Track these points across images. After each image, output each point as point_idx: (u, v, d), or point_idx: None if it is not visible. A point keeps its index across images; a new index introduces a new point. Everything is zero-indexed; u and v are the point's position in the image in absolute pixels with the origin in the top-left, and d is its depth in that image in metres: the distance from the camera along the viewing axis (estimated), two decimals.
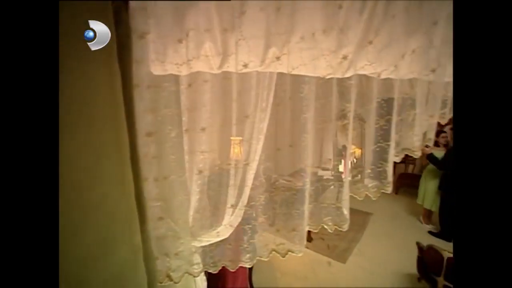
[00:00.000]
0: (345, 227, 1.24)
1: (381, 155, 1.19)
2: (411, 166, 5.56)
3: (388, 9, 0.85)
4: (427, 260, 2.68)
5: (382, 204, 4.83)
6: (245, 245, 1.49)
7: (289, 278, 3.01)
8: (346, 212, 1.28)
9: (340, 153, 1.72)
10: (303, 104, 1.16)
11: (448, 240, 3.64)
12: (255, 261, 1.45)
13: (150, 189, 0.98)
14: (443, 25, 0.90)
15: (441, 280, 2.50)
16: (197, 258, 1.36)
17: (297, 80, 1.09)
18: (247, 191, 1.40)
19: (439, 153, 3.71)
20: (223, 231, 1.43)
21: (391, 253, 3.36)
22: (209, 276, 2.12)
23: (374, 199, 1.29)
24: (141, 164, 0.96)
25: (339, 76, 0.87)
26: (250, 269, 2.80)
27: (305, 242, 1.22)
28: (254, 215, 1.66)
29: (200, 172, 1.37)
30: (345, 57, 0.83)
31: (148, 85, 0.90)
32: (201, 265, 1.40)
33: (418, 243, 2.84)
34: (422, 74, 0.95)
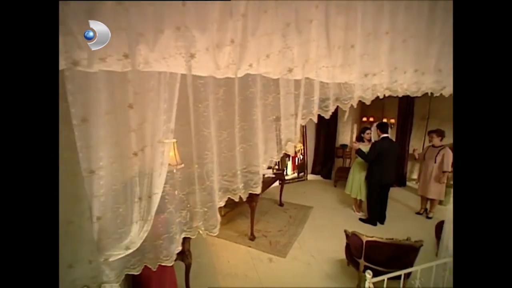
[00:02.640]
0: (215, 231, 1.20)
1: (247, 156, 1.17)
2: (348, 161, 6.03)
3: (247, 10, 0.84)
4: (351, 245, 2.88)
5: (322, 197, 5.13)
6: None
7: (231, 279, 2.94)
8: (217, 215, 1.21)
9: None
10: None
11: (374, 224, 4.01)
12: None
13: None
14: (296, 27, 0.92)
15: (362, 262, 2.70)
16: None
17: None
18: (156, 199, 1.28)
19: (367, 147, 4.07)
20: (133, 243, 1.30)
21: (327, 242, 3.55)
22: (133, 281, 1.93)
23: (244, 200, 1.26)
24: None
25: (190, 74, 0.82)
26: (187, 275, 2.66)
27: (177, 249, 1.14)
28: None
29: (101, 179, 1.22)
30: (192, 56, 0.79)
31: None
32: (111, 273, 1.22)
33: (345, 231, 3.03)
34: (282, 74, 0.97)
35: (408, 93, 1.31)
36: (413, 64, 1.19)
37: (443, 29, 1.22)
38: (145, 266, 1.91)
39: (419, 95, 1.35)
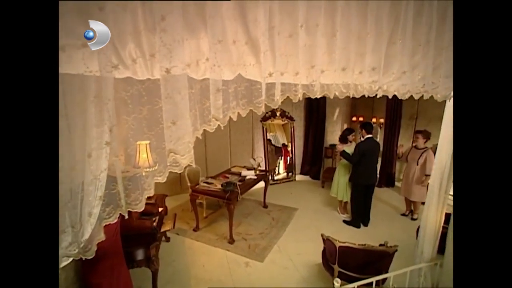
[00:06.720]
0: (88, 254, 0.96)
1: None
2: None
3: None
4: (326, 250, 2.75)
5: (308, 198, 4.97)
6: None
7: (204, 284, 2.84)
8: (90, 234, 0.96)
9: None
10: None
11: (357, 227, 3.85)
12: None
13: None
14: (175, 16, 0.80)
15: (336, 267, 2.57)
16: None
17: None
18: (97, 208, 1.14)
19: (351, 148, 3.92)
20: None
21: (307, 245, 3.41)
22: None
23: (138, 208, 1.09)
24: None
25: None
26: (154, 281, 2.56)
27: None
28: None
29: None
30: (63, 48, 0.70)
31: None
32: None
33: (322, 235, 2.89)
34: (179, 69, 0.84)
35: (337, 94, 1.18)
36: (340, 62, 1.06)
37: (378, 26, 1.07)
38: (96, 273, 1.81)
39: (352, 96, 1.21)
